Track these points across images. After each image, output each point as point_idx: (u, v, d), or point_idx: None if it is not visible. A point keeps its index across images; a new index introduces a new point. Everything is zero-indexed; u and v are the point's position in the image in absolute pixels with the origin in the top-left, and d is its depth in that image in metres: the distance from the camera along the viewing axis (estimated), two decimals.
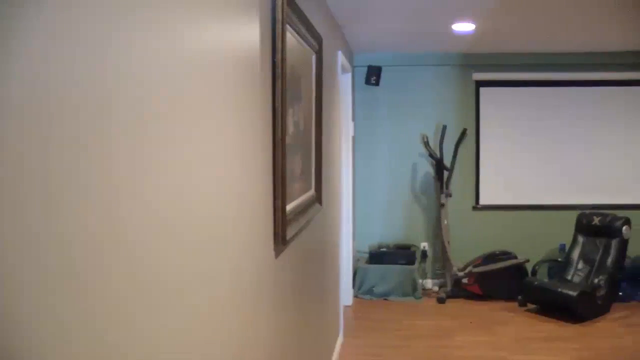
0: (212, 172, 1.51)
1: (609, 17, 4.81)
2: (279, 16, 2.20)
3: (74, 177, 0.87)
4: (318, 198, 3.39)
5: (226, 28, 1.64)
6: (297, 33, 2.70)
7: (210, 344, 1.52)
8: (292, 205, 2.58)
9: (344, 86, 5.86)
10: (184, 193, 1.30)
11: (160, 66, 1.16)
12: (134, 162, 1.05)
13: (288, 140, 2.49)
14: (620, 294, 6.36)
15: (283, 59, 2.24)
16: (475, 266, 6.45)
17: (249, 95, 1.89)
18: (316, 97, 3.31)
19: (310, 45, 3.08)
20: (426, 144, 6.55)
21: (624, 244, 6.19)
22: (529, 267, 6.55)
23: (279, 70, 2.22)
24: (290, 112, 2.55)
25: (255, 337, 2.00)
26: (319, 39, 3.35)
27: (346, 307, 6.15)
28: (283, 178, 2.27)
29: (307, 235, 3.18)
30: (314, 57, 3.24)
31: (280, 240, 2.30)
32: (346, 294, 6.15)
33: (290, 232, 2.44)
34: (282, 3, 2.22)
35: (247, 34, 1.88)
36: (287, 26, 2.43)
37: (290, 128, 2.57)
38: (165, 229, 1.19)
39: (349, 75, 6.06)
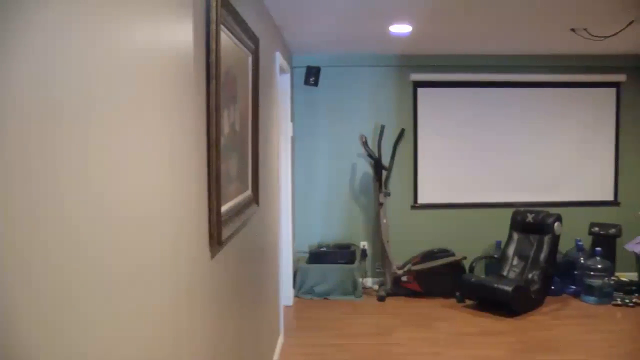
0: (141, 174, 1.50)
1: (535, 23, 4.97)
2: (213, 17, 2.20)
3: None
4: (255, 198, 3.39)
5: (156, 28, 1.63)
6: (233, 34, 2.70)
7: (140, 350, 1.50)
8: (227, 205, 2.57)
9: (282, 87, 5.87)
10: (109, 194, 1.29)
11: (79, 66, 1.15)
12: (47, 165, 1.02)
13: (223, 141, 2.49)
14: (553, 287, 6.57)
15: (217, 60, 2.24)
16: (414, 264, 6.55)
17: (182, 96, 1.89)
18: (252, 98, 3.31)
19: (246, 46, 3.08)
20: (365, 144, 6.61)
21: (555, 239, 6.39)
22: (467, 264, 6.68)
23: (213, 71, 2.22)
24: (225, 113, 2.54)
25: (190, 339, 1.99)
26: (255, 40, 3.35)
27: (287, 307, 6.16)
28: (218, 179, 2.26)
29: (245, 235, 3.18)
30: (250, 58, 3.24)
31: (216, 241, 2.30)
32: (287, 294, 6.17)
33: (226, 233, 2.44)
34: (217, 4, 2.21)
35: (179, 35, 1.87)
36: (222, 27, 2.43)
37: (226, 129, 2.57)
38: (86, 230, 1.18)
39: (288, 75, 6.07)
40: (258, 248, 3.76)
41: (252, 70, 3.29)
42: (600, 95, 7.23)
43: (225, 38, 2.54)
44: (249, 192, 3.24)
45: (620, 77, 7.15)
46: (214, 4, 2.19)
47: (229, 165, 2.67)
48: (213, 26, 2.19)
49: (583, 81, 7.15)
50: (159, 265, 1.65)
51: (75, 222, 1.12)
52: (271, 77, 4.62)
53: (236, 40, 2.80)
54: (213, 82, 2.21)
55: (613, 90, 7.23)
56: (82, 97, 1.15)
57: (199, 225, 2.12)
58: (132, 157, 1.43)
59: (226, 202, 2.56)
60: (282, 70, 5.54)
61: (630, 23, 4.90)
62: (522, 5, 4.38)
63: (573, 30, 5.33)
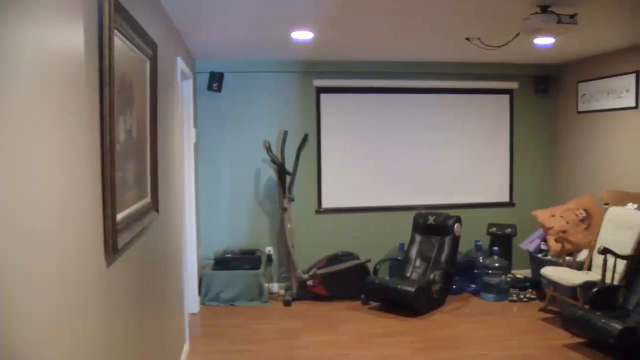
0: (29, 182, 1.47)
1: (433, 31, 5.14)
2: (106, 22, 2.17)
3: None
4: (154, 205, 3.35)
5: (44, 34, 1.60)
6: (128, 39, 2.66)
7: None
8: (124, 213, 2.53)
9: (185, 92, 5.82)
10: None
11: None
12: None
13: (119, 147, 2.45)
14: (454, 287, 6.79)
15: (111, 66, 2.21)
16: (319, 268, 6.62)
17: (74, 103, 1.85)
18: (151, 104, 3.27)
19: (143, 51, 3.05)
20: (268, 149, 6.63)
21: (456, 240, 6.62)
22: (371, 266, 6.80)
23: (106, 77, 2.18)
24: (121, 119, 2.51)
25: (87, 347, 1.95)
26: (153, 46, 3.32)
27: (193, 314, 6.09)
28: (112, 186, 2.23)
29: (144, 243, 3.13)
30: (148, 64, 3.20)
31: (112, 249, 2.26)
32: (192, 301, 6.09)
33: (122, 241, 2.41)
34: (109, 9, 2.18)
35: (70, 40, 1.83)
36: (117, 32, 2.40)
37: (122, 135, 2.53)
38: None
39: (191, 81, 6.02)
40: (160, 256, 3.71)
41: (150, 76, 3.25)
42: (496, 102, 7.55)
43: (120, 43, 2.51)
44: (148, 199, 3.20)
45: (513, 85, 7.49)
46: (106, 8, 2.16)
47: (126, 172, 2.63)
48: (106, 32, 2.16)
49: (479, 88, 7.45)
50: (51, 274, 1.61)
51: None
52: (172, 82, 4.57)
53: (132, 46, 2.76)
54: (107, 88, 2.18)
55: (507, 97, 7.57)
56: None
57: (94, 234, 2.09)
58: (19, 164, 1.40)
59: (123, 209, 2.52)
60: (184, 76, 5.49)
61: (517, 35, 5.17)
62: (421, 14, 4.53)
63: (468, 39, 5.54)
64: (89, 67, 2.04)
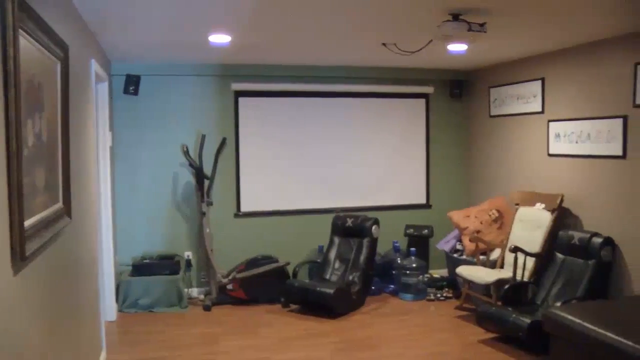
0: None
1: (351, 36, 5.22)
2: (9, 22, 2.10)
3: None
4: (67, 211, 3.27)
5: None
6: (36, 40, 2.59)
7: None
8: (33, 219, 2.46)
9: (100, 95, 5.69)
10: None
11: None
12: None
13: (27, 152, 2.38)
14: (373, 288, 6.91)
15: (16, 68, 2.14)
16: (238, 272, 6.59)
17: None
18: (62, 107, 3.19)
19: (53, 53, 2.97)
20: (186, 153, 6.56)
21: (374, 242, 6.73)
22: (291, 269, 6.83)
23: (12, 79, 2.12)
24: (29, 123, 2.44)
25: None
26: (64, 47, 3.24)
27: (110, 322, 5.96)
28: (20, 191, 2.17)
29: (56, 250, 3.05)
30: (59, 66, 3.12)
31: (19, 256, 2.20)
32: (109, 309, 5.97)
33: (31, 248, 2.34)
34: (13, 8, 2.12)
35: None
36: (22, 32, 2.33)
37: (30, 140, 2.46)
38: None
39: (106, 84, 5.89)
40: (73, 262, 3.62)
41: (62, 78, 3.17)
42: (412, 106, 7.73)
43: (28, 44, 2.44)
44: (60, 205, 3.11)
45: (429, 89, 7.69)
46: (9, 8, 2.10)
47: (35, 177, 2.55)
48: (9, 32, 2.10)
49: (396, 92, 7.60)
50: None
51: None
52: (86, 85, 4.47)
53: (40, 47, 2.69)
54: (12, 90, 2.11)
55: (423, 101, 7.76)
56: None
57: (0, 241, 2.03)
58: None
59: (32, 215, 2.45)
60: (99, 79, 5.37)
61: (430, 41, 5.31)
62: (338, 19, 4.59)
63: (384, 44, 5.65)
64: None
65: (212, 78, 7.00)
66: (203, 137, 6.77)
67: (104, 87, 5.82)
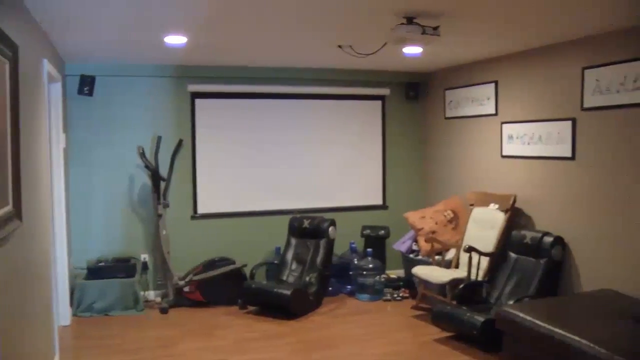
0: None
1: (306, 38, 5.24)
2: None
3: None
4: (17, 214, 3.22)
5: None
6: None
7: None
8: None
9: (52, 96, 5.61)
10: None
11: None
12: None
13: None
14: (330, 288, 6.94)
15: None
16: (195, 274, 6.57)
17: None
18: (11, 108, 3.14)
19: (1, 52, 2.92)
20: (142, 155, 6.51)
21: (330, 243, 6.76)
22: (248, 271, 6.82)
23: None
24: None
25: None
26: (13, 47, 3.19)
27: (64, 327, 5.87)
28: None
29: (5, 253, 3.00)
30: (7, 66, 3.08)
31: None
32: (63, 313, 5.87)
33: None
34: None
35: None
36: None
37: None
38: None
39: (59, 84, 5.80)
40: (24, 266, 3.57)
41: (10, 78, 3.13)
42: (368, 108, 7.80)
43: None
44: (9, 207, 3.07)
45: (385, 91, 7.76)
46: None
47: None
48: None
49: (353, 94, 7.66)
50: None
51: None
52: (37, 86, 4.40)
53: None
54: None
55: (379, 103, 7.83)
56: None
57: None
58: None
59: None
60: (51, 79, 5.29)
61: (385, 44, 5.37)
62: (293, 20, 4.60)
63: (340, 47, 5.69)
64: None
65: (168, 79, 6.95)
66: (159, 138, 6.73)
67: (57, 88, 5.74)
